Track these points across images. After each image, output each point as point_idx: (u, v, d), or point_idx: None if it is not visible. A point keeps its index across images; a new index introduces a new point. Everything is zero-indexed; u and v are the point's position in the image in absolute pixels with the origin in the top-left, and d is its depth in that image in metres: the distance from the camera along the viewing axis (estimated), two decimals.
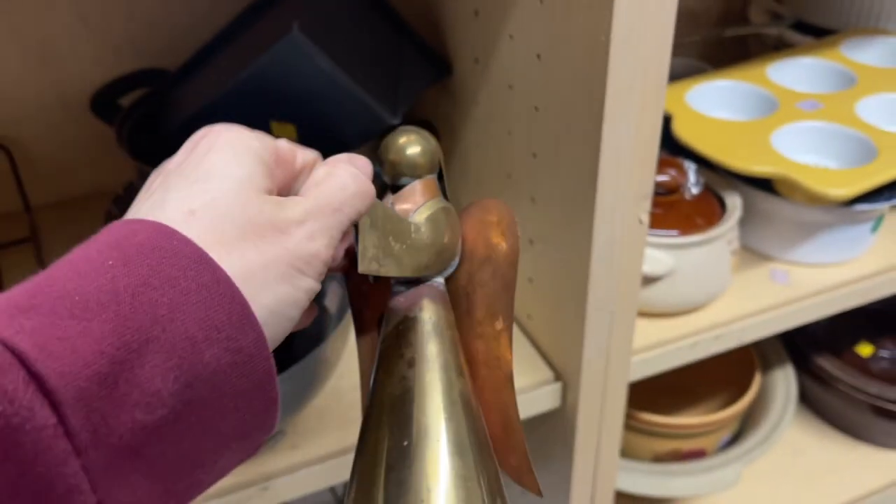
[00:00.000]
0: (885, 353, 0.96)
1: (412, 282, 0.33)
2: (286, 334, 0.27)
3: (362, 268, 0.29)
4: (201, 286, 0.24)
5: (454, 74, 0.63)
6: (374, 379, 0.30)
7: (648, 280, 0.60)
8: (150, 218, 0.25)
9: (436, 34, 0.64)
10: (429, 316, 0.31)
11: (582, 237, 0.50)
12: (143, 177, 0.65)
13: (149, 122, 0.69)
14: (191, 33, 0.75)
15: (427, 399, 0.28)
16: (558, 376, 0.58)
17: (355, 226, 0.29)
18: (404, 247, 0.31)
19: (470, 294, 0.34)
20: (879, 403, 0.88)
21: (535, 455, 0.68)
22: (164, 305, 0.23)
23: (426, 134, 0.34)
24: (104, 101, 0.70)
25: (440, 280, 0.34)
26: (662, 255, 0.59)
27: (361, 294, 0.35)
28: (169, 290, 0.23)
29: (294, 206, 0.27)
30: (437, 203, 0.34)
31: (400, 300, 0.32)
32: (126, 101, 0.70)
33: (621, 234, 0.49)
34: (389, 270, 0.30)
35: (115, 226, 0.25)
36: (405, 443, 0.27)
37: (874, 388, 0.88)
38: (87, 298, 0.22)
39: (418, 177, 0.33)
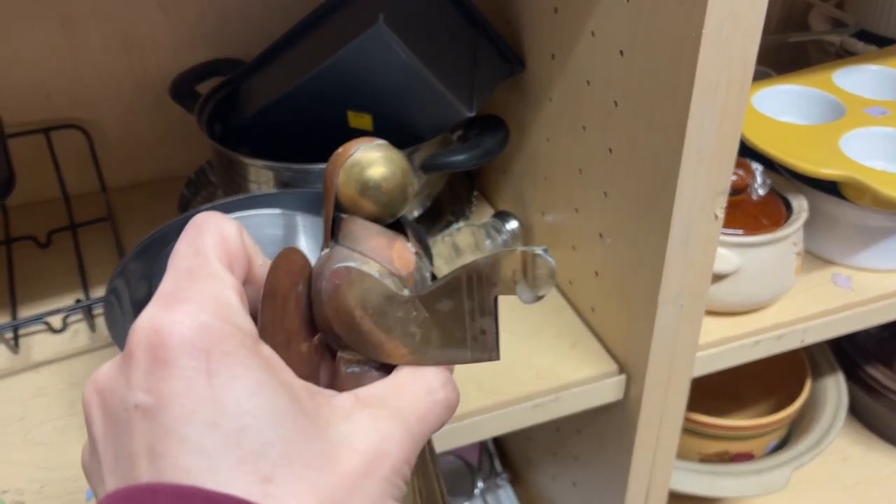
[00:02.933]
0: None
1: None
2: None
3: None
4: None
5: (527, 70, 0.64)
6: None
7: (714, 277, 0.60)
8: (212, 491, 0.19)
9: (510, 30, 0.66)
10: None
11: (657, 231, 0.51)
12: (219, 157, 0.67)
13: (222, 109, 0.71)
14: (263, 25, 0.78)
15: None
16: (622, 369, 0.59)
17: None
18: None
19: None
20: None
21: (594, 447, 0.69)
22: None
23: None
24: (183, 88, 0.72)
25: None
26: (729, 253, 0.60)
27: None
28: None
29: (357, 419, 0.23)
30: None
31: None
32: (203, 88, 0.73)
33: (696, 229, 0.50)
34: None
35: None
36: None
37: None
38: None
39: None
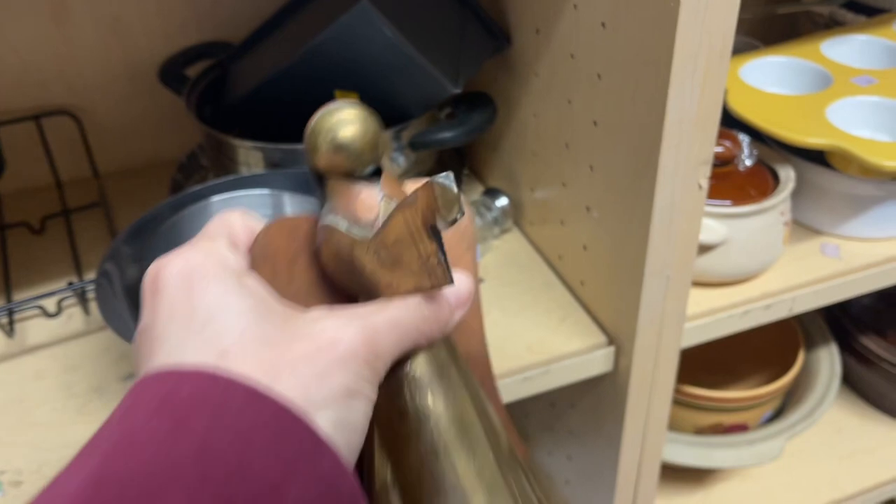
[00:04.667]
0: None
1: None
2: (361, 444, 0.25)
3: None
4: (261, 426, 0.22)
5: (513, 46, 0.65)
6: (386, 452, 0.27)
7: (702, 249, 0.61)
8: (169, 366, 0.24)
9: (496, 6, 0.66)
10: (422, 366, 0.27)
11: (642, 203, 0.51)
12: (209, 139, 0.68)
13: (212, 92, 0.71)
14: (252, 8, 0.78)
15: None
16: (611, 341, 0.60)
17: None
18: None
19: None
20: None
21: (587, 420, 0.70)
22: (231, 461, 0.21)
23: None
24: (172, 72, 0.72)
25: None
26: (716, 224, 0.60)
27: None
28: (232, 443, 0.22)
29: (320, 322, 0.26)
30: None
31: None
32: (192, 72, 0.73)
33: (681, 200, 0.51)
34: None
35: (150, 381, 0.23)
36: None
37: None
38: (150, 480, 0.20)
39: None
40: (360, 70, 0.61)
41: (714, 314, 0.61)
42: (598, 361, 0.60)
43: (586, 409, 0.69)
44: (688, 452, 0.80)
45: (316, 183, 0.30)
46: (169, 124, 0.81)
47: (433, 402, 0.27)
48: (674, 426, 0.85)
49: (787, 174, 0.64)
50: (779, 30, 0.92)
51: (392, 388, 0.27)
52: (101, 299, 0.49)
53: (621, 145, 0.52)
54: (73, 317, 0.62)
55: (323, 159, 0.29)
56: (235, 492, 0.21)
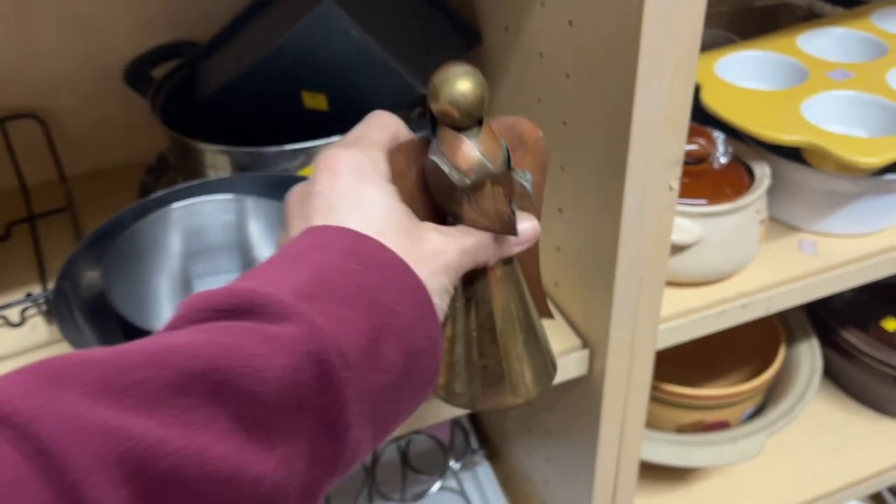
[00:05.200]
0: None
1: None
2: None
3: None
4: (409, 288, 0.33)
5: (484, 44, 0.63)
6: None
7: (676, 249, 0.60)
8: (347, 227, 0.33)
9: (465, 3, 0.64)
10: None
11: (612, 204, 0.50)
12: (176, 146, 0.67)
13: (179, 93, 0.70)
14: (222, 6, 0.76)
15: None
16: (585, 343, 0.59)
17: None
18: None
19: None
20: None
21: (564, 422, 0.69)
22: (391, 301, 0.31)
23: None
24: (137, 73, 0.71)
25: None
26: (690, 223, 0.60)
27: None
28: (392, 291, 0.32)
29: (435, 235, 0.36)
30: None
31: None
32: (158, 72, 0.72)
33: (651, 201, 0.50)
34: None
35: (335, 231, 0.33)
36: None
37: None
38: (348, 293, 0.31)
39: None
40: (327, 70, 0.60)
41: (689, 315, 0.61)
42: (573, 365, 0.59)
43: (563, 410, 0.68)
44: (668, 451, 0.80)
45: (430, 123, 0.38)
46: (139, 125, 0.79)
47: (496, 292, 0.40)
48: (655, 424, 0.85)
49: (763, 172, 0.64)
50: (757, 22, 0.91)
51: (471, 277, 0.39)
52: (57, 311, 0.48)
53: (591, 146, 0.51)
54: (38, 326, 0.61)
55: (440, 108, 0.35)
56: (390, 323, 0.31)
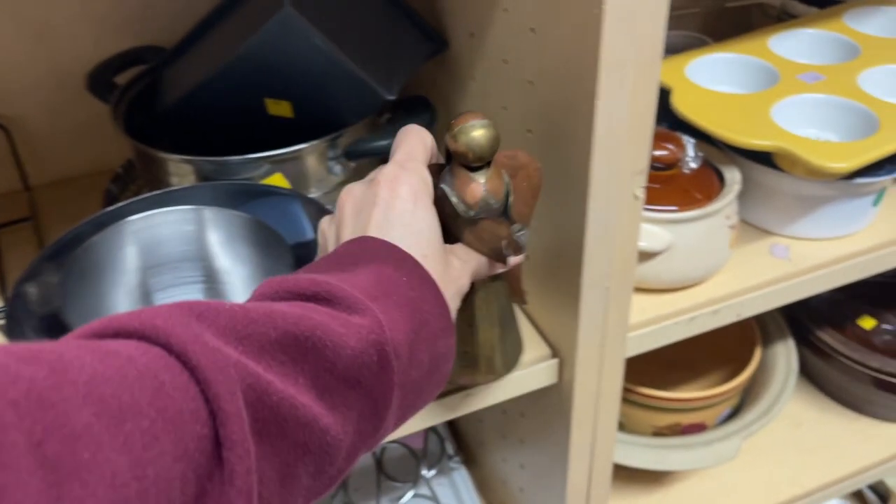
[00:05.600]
0: (887, 327, 0.96)
1: None
2: None
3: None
4: (438, 305, 0.38)
5: (451, 50, 0.63)
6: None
7: (646, 255, 0.60)
8: (397, 245, 0.39)
9: (431, 9, 0.63)
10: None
11: (577, 213, 0.49)
12: (139, 155, 0.65)
13: (144, 99, 0.68)
14: (187, 10, 0.75)
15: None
16: (555, 353, 0.59)
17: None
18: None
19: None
20: (881, 376, 0.88)
21: (537, 430, 0.68)
22: (426, 313, 0.37)
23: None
24: (100, 80, 0.70)
25: None
26: (660, 230, 0.59)
27: None
28: (427, 305, 0.38)
29: (456, 262, 0.43)
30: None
31: None
32: (123, 79, 0.70)
33: (616, 210, 0.49)
34: None
35: (387, 246, 0.38)
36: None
37: (876, 361, 0.88)
38: (399, 300, 0.36)
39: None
40: (289, 77, 0.59)
41: (660, 322, 0.60)
42: (543, 374, 0.59)
43: (535, 418, 0.68)
44: (644, 455, 0.79)
45: (446, 155, 0.43)
46: (106, 133, 0.77)
47: (480, 295, 0.47)
48: (631, 427, 0.84)
49: (733, 177, 0.63)
50: (732, 23, 0.91)
51: (473, 293, 0.47)
52: (9, 331, 0.47)
53: (555, 155, 0.50)
54: None
55: (456, 150, 0.41)
56: (424, 328, 0.37)
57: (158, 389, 0.26)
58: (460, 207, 0.42)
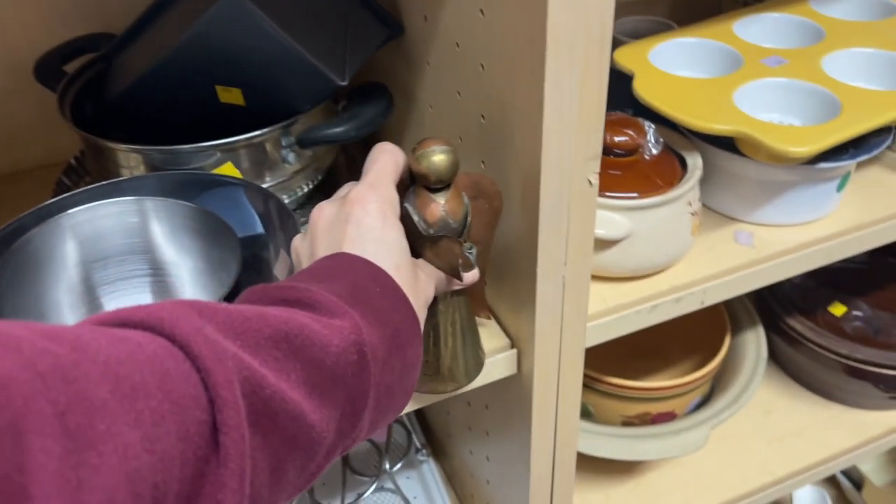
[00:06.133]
0: (857, 313, 0.96)
1: None
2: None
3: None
4: (408, 316, 0.41)
5: (406, 34, 0.61)
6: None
7: (606, 243, 0.59)
8: (370, 260, 0.41)
9: None
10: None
11: (530, 201, 0.48)
12: (88, 146, 0.63)
13: (93, 88, 0.67)
14: None
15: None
16: (514, 343, 0.58)
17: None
18: None
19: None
20: (851, 363, 0.88)
21: (500, 421, 0.67)
22: (397, 321, 0.40)
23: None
24: (48, 68, 0.68)
25: None
26: (619, 217, 0.58)
27: None
28: (397, 313, 0.40)
29: (422, 274, 0.45)
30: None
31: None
32: (72, 67, 0.68)
33: (570, 197, 0.48)
34: None
35: (362, 262, 0.41)
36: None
37: (845, 348, 0.88)
38: (374, 307, 0.39)
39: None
40: (239, 64, 0.57)
41: (621, 310, 0.59)
42: (502, 365, 0.58)
43: (497, 410, 0.67)
44: (613, 446, 0.78)
45: (409, 176, 0.46)
46: (55, 124, 0.76)
47: (441, 306, 0.49)
48: (601, 417, 0.84)
49: (695, 162, 0.62)
50: (702, 9, 0.90)
51: (436, 305, 0.49)
52: None
53: (506, 141, 0.49)
54: None
55: (418, 172, 0.44)
56: (396, 336, 0.39)
57: (165, 374, 0.28)
58: (421, 225, 0.45)
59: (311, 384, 0.34)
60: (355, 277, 0.39)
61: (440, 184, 0.44)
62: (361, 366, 0.36)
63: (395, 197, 0.44)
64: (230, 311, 0.33)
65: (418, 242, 0.46)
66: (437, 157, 0.43)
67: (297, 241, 0.46)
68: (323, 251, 0.42)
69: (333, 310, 0.36)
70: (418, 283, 0.44)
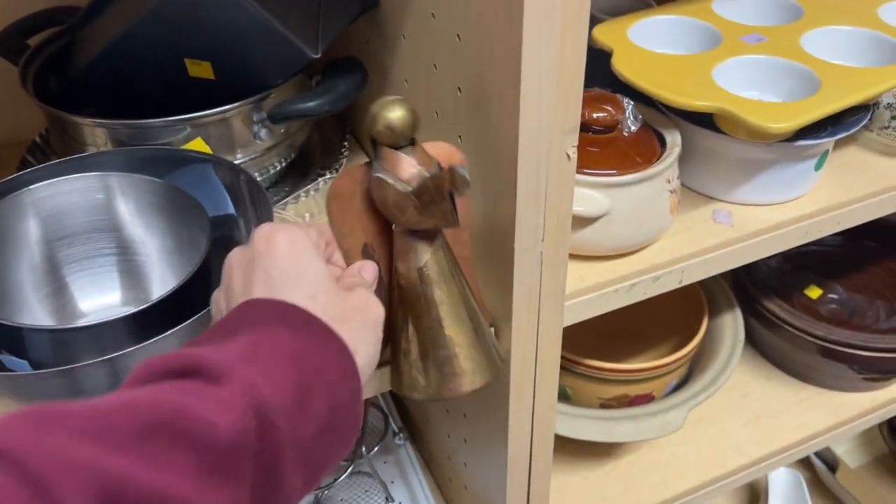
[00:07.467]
0: (833, 296, 0.97)
1: None
2: (372, 371, 0.43)
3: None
4: (334, 350, 0.39)
5: (381, 7, 0.60)
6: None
7: (584, 221, 0.58)
8: (280, 299, 0.39)
9: None
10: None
11: (507, 176, 0.47)
12: (52, 121, 0.61)
13: (58, 63, 0.64)
14: None
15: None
16: (491, 323, 0.57)
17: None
18: None
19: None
20: (826, 345, 0.88)
21: (477, 402, 0.67)
22: (317, 361, 0.37)
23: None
24: (11, 41, 0.65)
25: None
26: (597, 194, 0.57)
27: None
28: (318, 354, 0.38)
29: (359, 290, 0.43)
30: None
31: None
32: (36, 41, 0.66)
33: (548, 172, 0.47)
34: None
35: (271, 303, 0.39)
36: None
37: (821, 329, 0.88)
38: (281, 357, 0.36)
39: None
40: (208, 36, 0.56)
41: (599, 289, 0.58)
42: None
43: (475, 391, 0.66)
44: (590, 428, 0.78)
45: (371, 146, 0.44)
46: (19, 101, 0.73)
47: (438, 293, 0.47)
48: (578, 399, 0.83)
49: (674, 139, 0.61)
50: None
51: (412, 279, 0.46)
52: None
53: (483, 114, 0.48)
54: None
55: (378, 131, 0.42)
56: (316, 380, 0.37)
57: None
58: (399, 185, 0.43)
59: (203, 469, 0.31)
60: (260, 326, 0.37)
61: (403, 139, 0.43)
62: (265, 428, 0.33)
63: (305, 228, 0.43)
64: (87, 412, 0.30)
65: (399, 209, 0.43)
66: (395, 112, 0.42)
67: (216, 294, 0.44)
68: (236, 299, 0.40)
69: (223, 374, 0.34)
70: (349, 301, 0.41)
